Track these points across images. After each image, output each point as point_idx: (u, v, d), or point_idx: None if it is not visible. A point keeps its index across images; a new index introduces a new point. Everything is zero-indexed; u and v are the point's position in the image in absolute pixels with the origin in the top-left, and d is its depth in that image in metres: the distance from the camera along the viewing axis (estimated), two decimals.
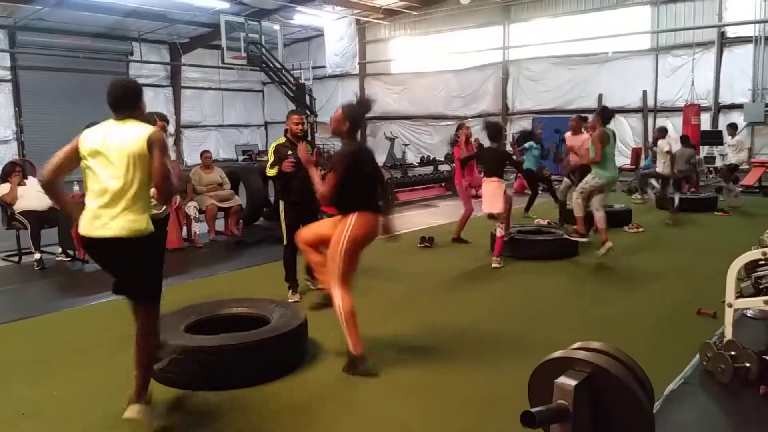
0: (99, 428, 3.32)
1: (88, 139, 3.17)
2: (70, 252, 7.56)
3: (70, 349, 4.55)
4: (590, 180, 7.29)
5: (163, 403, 3.55)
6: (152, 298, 3.29)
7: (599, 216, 7.21)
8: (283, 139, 5.90)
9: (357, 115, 4.12)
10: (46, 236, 7.65)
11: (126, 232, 3.07)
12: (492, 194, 7.07)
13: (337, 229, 3.99)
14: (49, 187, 3.26)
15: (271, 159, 5.78)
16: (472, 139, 8.98)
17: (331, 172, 3.96)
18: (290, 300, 5.57)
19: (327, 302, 4.19)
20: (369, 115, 4.94)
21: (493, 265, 6.94)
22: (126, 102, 3.24)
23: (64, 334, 4.96)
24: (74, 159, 3.18)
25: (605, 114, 7.58)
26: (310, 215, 5.54)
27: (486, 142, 7.93)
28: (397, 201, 10.64)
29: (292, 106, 19.13)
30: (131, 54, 21.30)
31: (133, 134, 3.13)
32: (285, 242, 5.80)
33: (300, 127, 5.84)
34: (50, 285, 6.78)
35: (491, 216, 7.22)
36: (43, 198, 7.60)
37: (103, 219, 3.07)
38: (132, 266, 3.16)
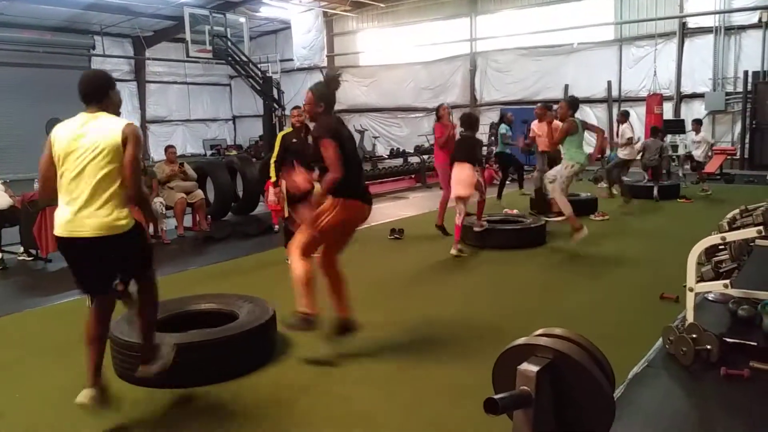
0: (62, 429, 3.26)
1: (61, 137, 3.07)
2: (33, 251, 7.39)
3: (33, 350, 4.45)
4: (564, 171, 7.36)
5: (132, 402, 3.51)
6: (148, 275, 3.35)
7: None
8: (289, 129, 6.84)
9: (328, 94, 4.08)
10: (7, 235, 7.47)
11: (108, 231, 3.01)
12: (462, 178, 7.11)
13: (323, 206, 3.96)
14: (50, 201, 3.20)
15: (277, 148, 6.65)
16: (451, 118, 8.79)
17: (323, 146, 3.85)
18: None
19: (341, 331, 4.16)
20: (338, 107, 4.90)
21: (452, 252, 7.01)
22: (97, 93, 3.16)
23: (27, 334, 4.85)
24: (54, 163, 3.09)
25: (574, 103, 7.72)
26: (306, 197, 6.32)
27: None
28: None
29: (260, 100, 18.97)
30: (93, 48, 20.83)
31: (108, 128, 3.06)
32: (285, 215, 6.82)
33: (297, 117, 6.71)
34: (12, 285, 6.63)
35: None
36: (3, 196, 7.44)
37: (82, 218, 2.99)
38: (120, 260, 3.16)
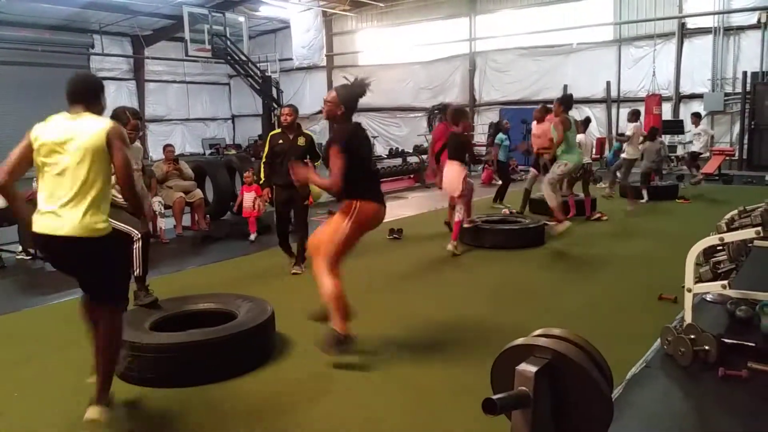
0: (62, 429, 3.26)
1: (42, 134, 3.02)
2: (31, 250, 7.38)
3: (31, 349, 4.45)
4: (557, 169, 7.42)
5: (130, 402, 3.51)
6: (116, 298, 3.21)
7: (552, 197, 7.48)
8: (278, 130, 6.58)
9: (352, 99, 4.03)
10: (5, 234, 7.46)
11: (83, 232, 2.95)
12: (452, 177, 7.11)
13: (339, 215, 3.95)
14: (4, 190, 3.10)
15: (266, 148, 6.46)
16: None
17: (332, 155, 3.85)
18: (293, 272, 6.38)
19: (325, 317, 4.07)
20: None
21: (448, 248, 7.05)
22: (85, 95, 3.11)
23: (25, 334, 4.84)
24: (29, 157, 3.05)
25: (568, 102, 7.75)
26: (294, 197, 6.28)
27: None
28: None
29: (259, 100, 18.99)
30: (92, 47, 20.85)
31: (90, 128, 3.00)
32: (276, 221, 6.64)
33: (284, 117, 6.39)
34: (10, 284, 6.61)
35: (447, 222, 7.40)
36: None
37: (59, 217, 2.95)
38: (91, 266, 3.08)
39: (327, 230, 4.04)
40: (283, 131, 6.41)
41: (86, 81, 3.21)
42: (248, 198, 8.35)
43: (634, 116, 10.74)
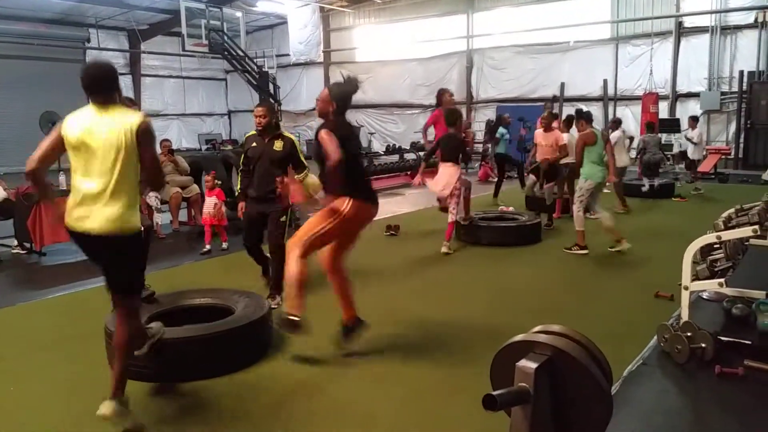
0: (59, 424, 3.25)
1: (73, 128, 3.00)
2: (27, 244, 7.36)
3: (27, 344, 4.43)
4: (585, 185, 6.97)
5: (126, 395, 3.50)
6: (134, 290, 3.27)
7: (605, 216, 7.10)
8: (253, 132, 5.42)
9: (344, 96, 4.02)
10: (1, 228, 7.43)
11: (117, 229, 2.98)
12: (444, 178, 7.08)
13: (327, 210, 3.88)
14: (33, 176, 3.10)
15: (242, 154, 5.52)
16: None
17: (324, 137, 3.79)
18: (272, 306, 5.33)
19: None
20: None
21: (442, 250, 7.01)
22: (106, 86, 3.07)
23: (21, 329, 4.83)
24: (59, 148, 3.07)
25: (588, 116, 7.29)
26: (267, 213, 5.24)
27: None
28: None
29: (256, 95, 18.93)
30: (88, 41, 20.69)
31: (121, 124, 2.98)
32: (244, 233, 5.50)
33: (258, 119, 5.25)
34: (6, 278, 6.58)
35: (443, 209, 7.32)
36: None
37: (91, 212, 2.97)
38: (118, 260, 3.09)
39: (311, 222, 4.00)
40: (258, 133, 5.33)
41: (102, 71, 3.12)
42: (209, 203, 7.37)
43: (615, 125, 10.62)
